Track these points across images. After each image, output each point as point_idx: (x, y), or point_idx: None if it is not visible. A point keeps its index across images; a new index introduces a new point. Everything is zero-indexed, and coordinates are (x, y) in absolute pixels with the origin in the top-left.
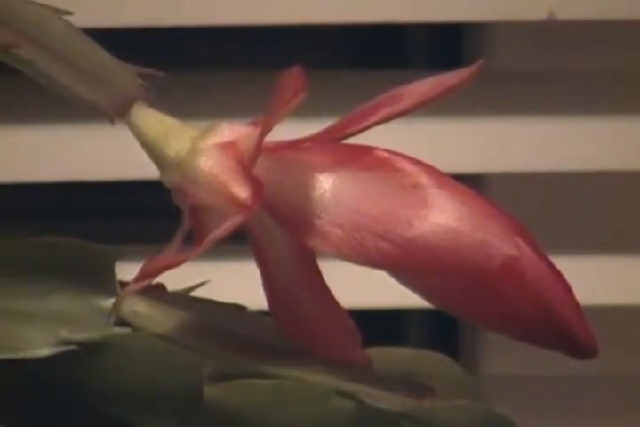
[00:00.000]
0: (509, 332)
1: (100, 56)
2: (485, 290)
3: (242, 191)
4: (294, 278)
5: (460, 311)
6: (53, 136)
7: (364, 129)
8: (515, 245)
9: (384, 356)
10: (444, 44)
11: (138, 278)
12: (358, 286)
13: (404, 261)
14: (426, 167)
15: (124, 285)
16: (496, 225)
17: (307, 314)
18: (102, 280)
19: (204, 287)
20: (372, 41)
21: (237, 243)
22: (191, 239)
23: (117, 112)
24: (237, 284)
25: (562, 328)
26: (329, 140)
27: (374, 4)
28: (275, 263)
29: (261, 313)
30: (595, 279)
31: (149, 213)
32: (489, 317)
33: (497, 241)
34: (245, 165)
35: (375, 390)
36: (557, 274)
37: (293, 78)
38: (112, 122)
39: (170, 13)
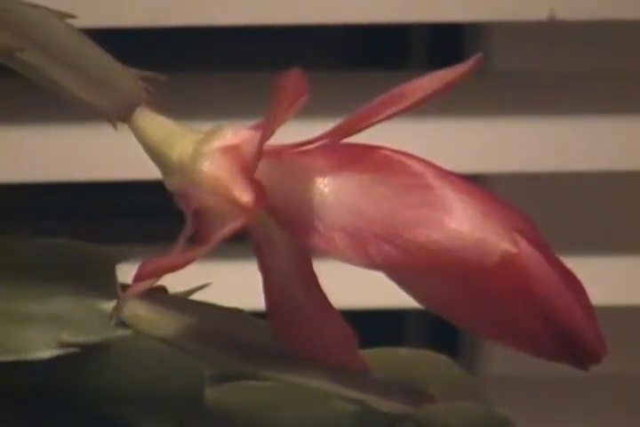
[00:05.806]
0: (510, 339)
1: (103, 60)
2: (485, 290)
3: (244, 195)
4: (294, 282)
5: (460, 316)
6: (53, 136)
7: (367, 127)
8: (513, 242)
9: (384, 356)
10: (444, 44)
11: (135, 279)
12: (358, 286)
13: (405, 262)
14: (428, 166)
15: (124, 287)
16: (496, 222)
17: (304, 318)
18: (103, 282)
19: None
20: (372, 41)
21: (238, 243)
22: (191, 242)
23: (120, 116)
24: (237, 285)
25: (566, 330)
26: (331, 141)
27: (374, 3)
28: (275, 267)
29: (260, 315)
30: (595, 279)
31: (149, 214)
32: (489, 320)
33: (495, 238)
34: (248, 168)
35: (374, 396)
36: (565, 272)
37: (293, 80)
38: (114, 126)
39: (170, 13)
